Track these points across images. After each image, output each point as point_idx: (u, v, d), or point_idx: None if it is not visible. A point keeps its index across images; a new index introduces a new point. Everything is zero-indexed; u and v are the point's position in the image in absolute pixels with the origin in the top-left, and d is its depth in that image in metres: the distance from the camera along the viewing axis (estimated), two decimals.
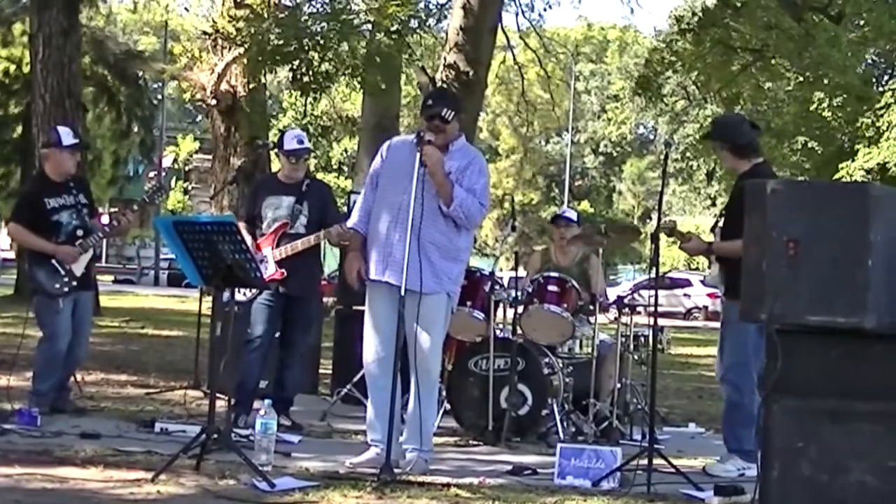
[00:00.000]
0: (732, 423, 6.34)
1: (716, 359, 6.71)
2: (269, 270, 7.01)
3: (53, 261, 7.00)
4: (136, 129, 28.48)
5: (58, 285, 7.00)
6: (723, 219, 6.50)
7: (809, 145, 25.78)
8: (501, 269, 13.84)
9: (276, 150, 7.69)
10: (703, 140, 6.62)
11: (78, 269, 7.06)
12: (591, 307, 7.62)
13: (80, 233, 7.10)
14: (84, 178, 8.20)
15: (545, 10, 61.06)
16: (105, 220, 7.97)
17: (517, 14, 22.66)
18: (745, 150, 6.44)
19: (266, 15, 13.45)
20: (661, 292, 6.33)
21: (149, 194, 7.54)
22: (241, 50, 13.61)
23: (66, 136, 7.25)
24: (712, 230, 7.02)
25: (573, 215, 8.69)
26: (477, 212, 6.02)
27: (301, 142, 7.36)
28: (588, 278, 8.02)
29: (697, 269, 34.59)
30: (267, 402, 5.97)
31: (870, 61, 27.42)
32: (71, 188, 7.21)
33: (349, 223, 6.39)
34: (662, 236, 6.36)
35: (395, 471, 5.54)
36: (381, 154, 6.27)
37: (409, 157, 5.99)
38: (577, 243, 8.08)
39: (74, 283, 7.04)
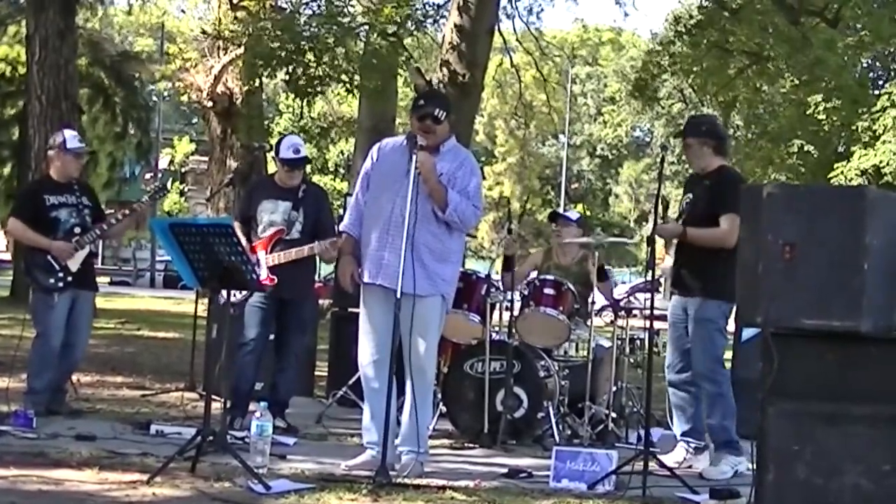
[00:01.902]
0: (718, 415, 6.38)
1: (669, 357, 6.66)
2: (261, 276, 6.99)
3: (49, 257, 7.02)
4: (132, 131, 28.50)
5: (52, 280, 7.02)
6: (685, 214, 6.51)
7: (805, 148, 25.76)
8: (497, 272, 13.78)
9: (272, 154, 7.66)
10: (680, 136, 6.69)
11: (73, 265, 7.07)
12: (587, 310, 7.60)
13: (77, 231, 7.11)
14: (88, 184, 8.22)
15: (543, 9, 61.17)
16: None
17: (513, 17, 22.67)
18: (725, 147, 6.62)
19: (263, 16, 13.47)
20: (657, 295, 6.33)
21: (150, 194, 7.53)
22: (238, 52, 13.63)
23: (72, 139, 7.27)
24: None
25: (573, 215, 8.67)
26: (472, 215, 6.02)
27: (297, 151, 7.29)
28: (589, 278, 7.97)
29: None
30: (262, 404, 5.97)
31: (866, 64, 27.42)
32: (74, 190, 7.24)
33: (341, 226, 6.38)
34: (658, 239, 6.37)
35: (391, 473, 5.53)
36: (372, 156, 6.24)
37: (400, 160, 5.98)
38: (572, 248, 8.04)
39: (69, 279, 7.05)
